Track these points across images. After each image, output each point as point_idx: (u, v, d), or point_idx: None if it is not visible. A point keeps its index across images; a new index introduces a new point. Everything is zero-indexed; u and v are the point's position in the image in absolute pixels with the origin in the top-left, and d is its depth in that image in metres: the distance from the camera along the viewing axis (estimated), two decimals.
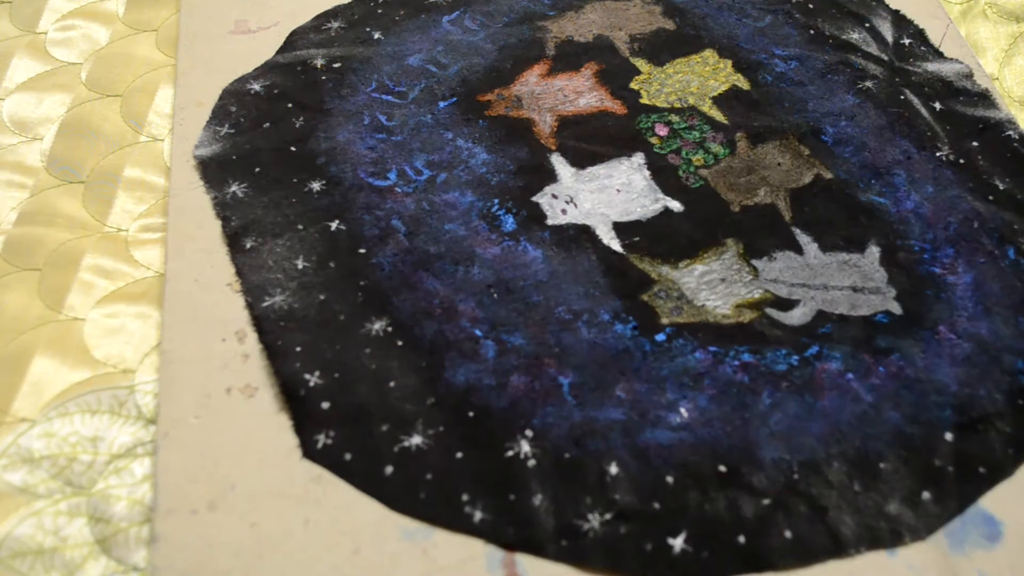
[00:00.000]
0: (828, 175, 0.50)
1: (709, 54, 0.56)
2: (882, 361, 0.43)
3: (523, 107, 0.53)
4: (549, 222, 0.48)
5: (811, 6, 0.59)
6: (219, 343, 0.43)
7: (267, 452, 0.40)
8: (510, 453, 0.40)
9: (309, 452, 0.40)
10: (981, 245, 0.47)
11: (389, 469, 0.39)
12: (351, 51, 0.56)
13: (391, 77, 0.55)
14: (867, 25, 0.58)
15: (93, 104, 0.55)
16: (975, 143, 0.52)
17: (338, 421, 0.40)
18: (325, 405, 0.41)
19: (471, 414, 0.41)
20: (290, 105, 0.53)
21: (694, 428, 0.40)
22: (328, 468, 0.39)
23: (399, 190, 0.49)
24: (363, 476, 0.39)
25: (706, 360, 0.43)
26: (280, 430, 0.41)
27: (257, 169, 0.50)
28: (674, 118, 0.53)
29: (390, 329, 0.43)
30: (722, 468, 0.39)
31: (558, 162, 0.50)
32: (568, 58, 0.56)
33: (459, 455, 0.40)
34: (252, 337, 0.43)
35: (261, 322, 0.43)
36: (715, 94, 0.54)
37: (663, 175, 0.50)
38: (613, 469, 0.39)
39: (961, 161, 0.51)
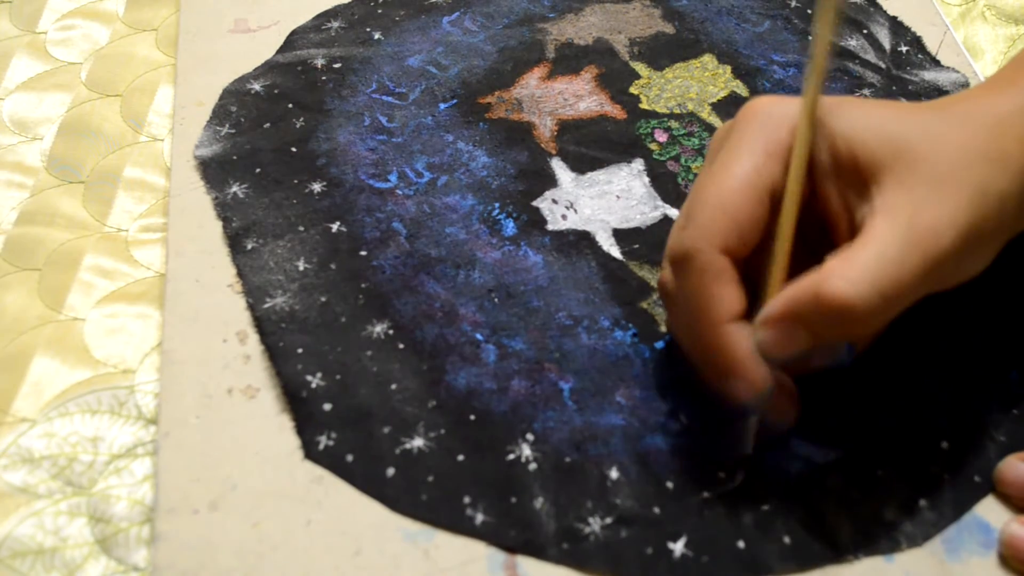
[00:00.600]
0: None
1: (708, 59, 0.57)
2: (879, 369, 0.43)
3: (523, 110, 0.53)
4: (549, 227, 0.48)
5: (810, 12, 0.60)
6: (220, 344, 0.43)
7: (268, 453, 0.40)
8: (511, 456, 0.40)
9: (311, 453, 0.40)
10: None
11: (391, 471, 0.39)
12: (351, 51, 0.56)
13: (391, 78, 0.55)
14: (865, 32, 0.59)
15: (93, 104, 0.55)
16: None
17: (340, 423, 0.41)
18: (327, 407, 0.41)
19: (472, 417, 0.41)
20: (290, 105, 0.53)
21: (694, 434, 0.41)
22: (330, 469, 0.39)
23: (400, 192, 0.49)
24: (365, 477, 0.39)
25: None
26: (281, 431, 0.41)
27: (258, 170, 0.50)
28: (673, 124, 0.53)
29: (391, 332, 0.44)
30: (721, 474, 0.40)
31: (558, 167, 0.51)
32: (568, 61, 0.56)
33: (460, 458, 0.40)
34: (253, 338, 0.44)
35: (262, 323, 0.44)
36: (714, 100, 0.54)
37: (662, 182, 0.50)
38: (614, 473, 0.39)
39: None
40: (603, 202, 0.49)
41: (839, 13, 0.39)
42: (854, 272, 0.33)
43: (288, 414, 0.41)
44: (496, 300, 0.45)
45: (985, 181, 0.35)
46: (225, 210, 0.48)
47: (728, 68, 0.56)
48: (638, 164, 0.51)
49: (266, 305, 0.44)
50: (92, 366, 0.44)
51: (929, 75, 0.56)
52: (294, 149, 0.51)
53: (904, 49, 0.58)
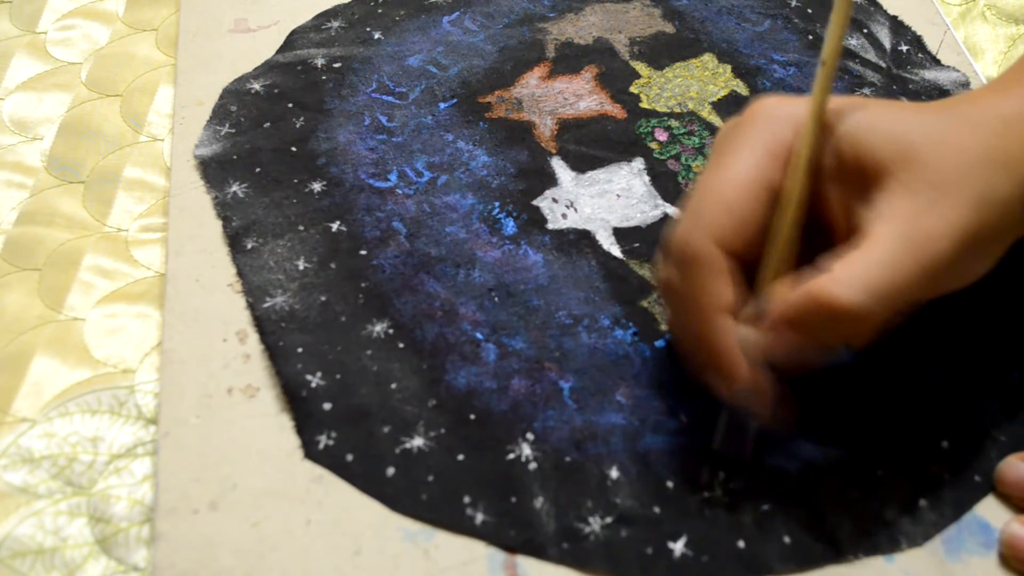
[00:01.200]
0: None
1: (708, 58, 0.57)
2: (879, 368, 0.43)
3: (523, 109, 0.53)
4: (550, 226, 0.48)
5: (810, 11, 0.60)
6: (220, 343, 0.43)
7: (268, 452, 0.40)
8: (511, 456, 0.40)
9: (311, 453, 0.40)
10: None
11: (391, 470, 0.39)
12: (351, 51, 0.56)
13: (391, 77, 0.55)
14: (865, 31, 0.58)
15: (93, 104, 0.55)
16: None
17: (340, 422, 0.40)
18: (327, 406, 0.41)
19: (472, 416, 0.41)
20: (290, 105, 0.53)
21: (694, 433, 0.41)
22: (330, 469, 0.39)
23: (400, 192, 0.49)
24: (365, 477, 0.39)
25: None
26: (282, 430, 0.41)
27: (258, 169, 0.50)
28: (674, 123, 0.53)
29: (391, 331, 0.44)
30: (722, 474, 0.39)
31: (558, 166, 0.51)
32: (568, 60, 0.56)
33: (460, 457, 0.40)
34: (253, 337, 0.44)
35: (262, 323, 0.44)
36: (714, 99, 0.54)
37: (663, 180, 0.50)
38: (614, 473, 0.39)
39: None
40: (603, 201, 0.49)
41: (849, 15, 0.39)
42: (851, 276, 0.33)
43: (288, 413, 0.41)
44: (496, 299, 0.45)
45: (988, 186, 0.35)
46: (225, 209, 0.48)
47: (728, 67, 0.56)
48: (638, 163, 0.51)
49: (266, 304, 0.44)
50: (92, 366, 0.44)
51: (929, 74, 0.56)
52: (294, 149, 0.51)
53: (904, 48, 0.58)
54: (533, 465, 0.40)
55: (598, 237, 0.48)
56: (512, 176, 0.50)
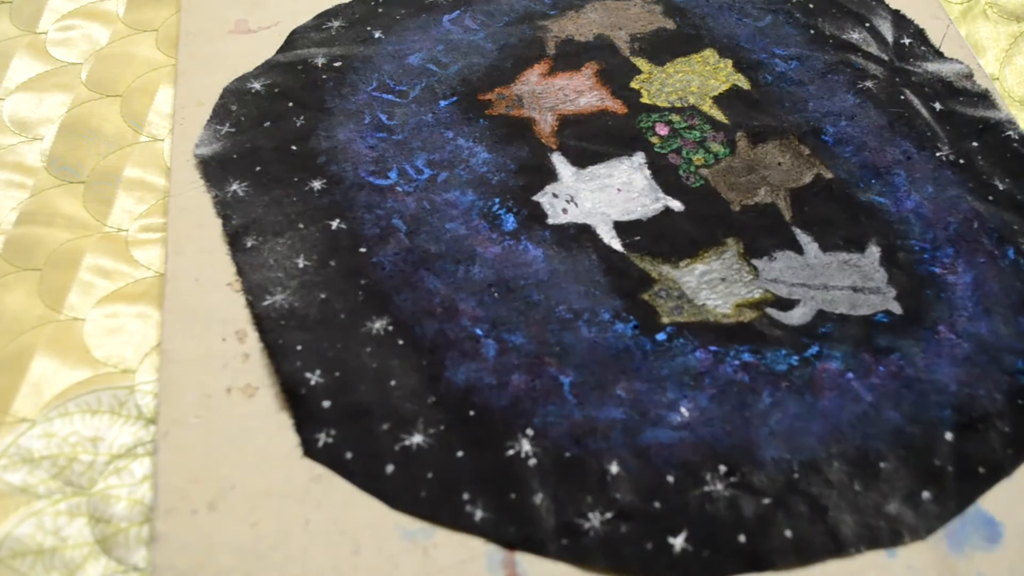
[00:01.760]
0: (828, 175, 0.50)
1: (709, 54, 0.56)
2: (882, 361, 0.43)
3: (524, 106, 0.53)
4: (550, 221, 0.48)
5: (811, 6, 0.59)
6: (219, 343, 0.43)
7: (267, 451, 0.40)
8: (511, 452, 0.40)
9: (310, 451, 0.40)
10: (981, 245, 0.47)
11: (390, 468, 0.39)
12: (352, 50, 0.56)
13: (392, 76, 0.55)
14: (867, 25, 0.58)
15: (93, 104, 0.55)
16: (975, 143, 0.52)
17: (339, 420, 0.40)
18: (326, 404, 0.41)
19: (472, 413, 0.41)
20: (291, 104, 0.53)
21: (695, 427, 0.40)
22: (329, 467, 0.39)
23: (400, 189, 0.49)
24: (364, 475, 0.39)
25: (706, 359, 0.43)
26: (281, 429, 0.41)
27: (258, 168, 0.50)
28: (675, 117, 0.53)
29: (391, 328, 0.43)
30: (722, 467, 0.39)
31: (559, 161, 0.50)
32: (568, 57, 0.56)
33: (460, 454, 0.40)
34: (253, 336, 0.43)
35: (262, 321, 0.43)
36: (715, 94, 0.54)
37: (663, 174, 0.50)
38: (614, 468, 0.39)
39: (961, 161, 0.51)
40: (604, 195, 0.49)
41: None
42: None
43: (287, 412, 0.41)
44: (496, 295, 0.45)
45: None
46: (225, 208, 0.48)
47: (729, 62, 0.56)
48: (639, 157, 0.51)
49: (265, 302, 0.44)
50: (92, 366, 0.44)
51: (932, 66, 0.56)
52: (294, 147, 0.51)
53: (907, 41, 0.57)
54: (533, 461, 0.39)
55: (599, 231, 0.47)
56: (512, 172, 0.50)
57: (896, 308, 0.45)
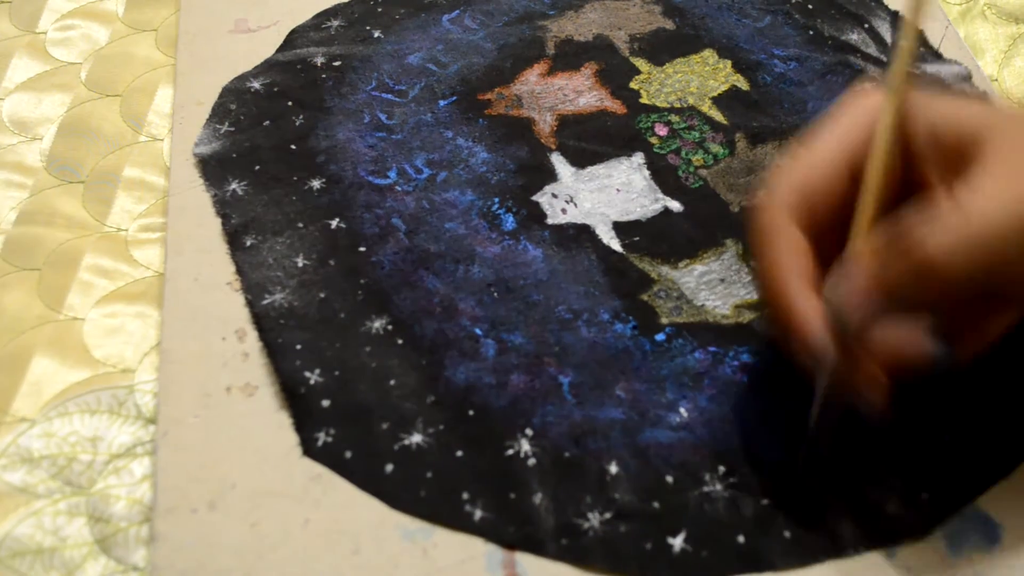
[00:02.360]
0: None
1: (709, 54, 0.56)
2: None
3: (523, 106, 0.53)
4: (549, 221, 0.48)
5: (810, 6, 0.59)
6: (219, 342, 0.43)
7: (267, 451, 0.40)
8: (510, 452, 0.40)
9: (309, 450, 0.40)
10: None
11: (389, 467, 0.39)
12: (351, 49, 0.56)
13: (391, 75, 0.55)
14: (866, 26, 0.58)
15: (93, 104, 0.55)
16: None
17: (338, 419, 0.40)
18: (325, 403, 0.41)
19: (471, 412, 0.41)
20: (290, 103, 0.53)
21: (694, 428, 0.41)
22: (328, 466, 0.39)
23: (399, 188, 0.49)
24: (363, 474, 0.39)
25: (706, 360, 0.43)
26: (280, 429, 0.41)
27: (257, 167, 0.50)
28: (674, 118, 0.53)
29: (390, 327, 0.43)
30: (721, 468, 0.39)
31: (558, 161, 0.50)
32: (568, 57, 0.56)
33: (459, 453, 0.40)
34: (252, 335, 0.43)
35: (261, 320, 0.43)
36: (715, 94, 0.54)
37: (663, 175, 0.50)
38: (613, 468, 0.39)
39: None
40: (603, 195, 0.49)
41: None
42: (941, 225, 0.33)
43: (286, 411, 0.41)
44: (495, 294, 0.45)
45: None
46: (224, 207, 0.48)
47: (729, 63, 0.56)
48: (638, 158, 0.51)
49: (265, 302, 0.44)
50: (91, 366, 0.44)
51: (931, 68, 0.56)
52: (293, 146, 0.51)
53: None
54: (532, 461, 0.39)
55: (598, 231, 0.47)
56: (511, 172, 0.50)
57: None
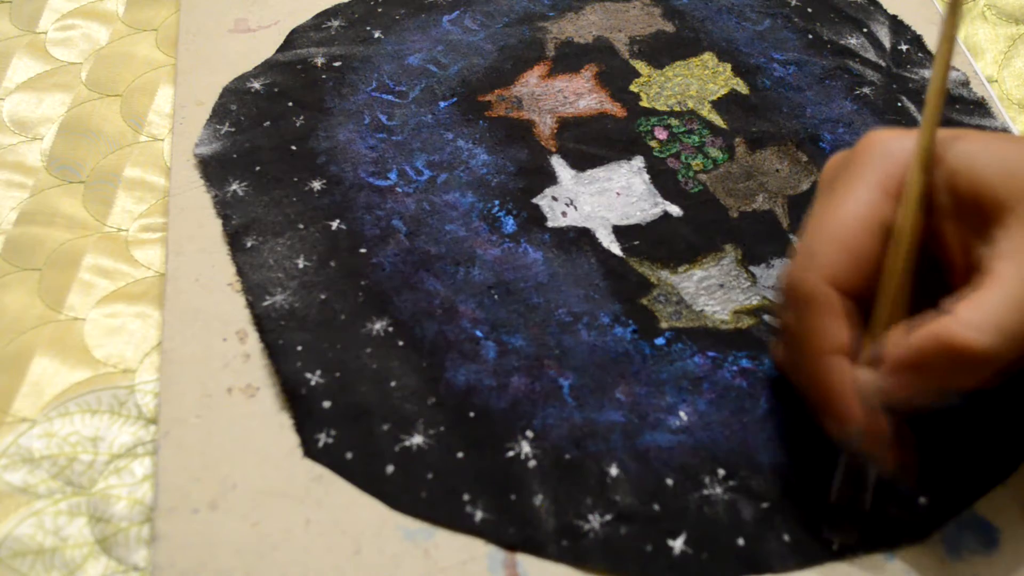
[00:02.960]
0: None
1: (708, 57, 0.57)
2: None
3: (523, 108, 0.53)
4: (549, 224, 0.48)
5: (810, 10, 0.60)
6: (220, 343, 0.43)
7: (268, 451, 0.40)
8: (511, 453, 0.40)
9: (310, 451, 0.40)
10: None
11: (390, 468, 0.39)
12: (351, 50, 0.56)
13: (391, 76, 0.55)
14: (865, 30, 0.58)
15: (93, 104, 0.55)
16: None
17: (339, 420, 0.40)
18: (326, 404, 0.41)
19: (472, 414, 0.41)
20: (290, 104, 0.53)
21: (693, 431, 0.41)
22: (329, 467, 0.39)
23: (400, 190, 0.49)
24: (364, 475, 0.39)
25: (705, 365, 0.43)
26: (281, 429, 0.41)
27: (257, 168, 0.50)
28: (673, 122, 0.53)
29: (391, 329, 0.44)
30: (721, 471, 0.39)
31: (558, 164, 0.51)
32: (568, 59, 0.56)
33: (460, 455, 0.40)
34: (253, 336, 0.43)
35: (262, 321, 0.44)
36: (714, 98, 0.54)
37: (662, 179, 0.50)
38: (613, 470, 0.39)
39: None
40: (603, 199, 0.49)
41: (952, 50, 0.39)
42: (977, 317, 0.33)
43: (287, 412, 0.41)
44: (496, 297, 0.45)
45: None
46: (225, 208, 0.48)
47: (728, 66, 0.56)
48: (638, 161, 0.51)
49: (265, 303, 0.44)
50: (92, 366, 0.44)
51: (929, 73, 0.56)
52: (294, 147, 0.51)
53: (904, 48, 0.58)
54: (532, 463, 0.40)
55: (598, 235, 0.48)
56: (512, 174, 0.50)
57: None
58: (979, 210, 0.36)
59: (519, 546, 0.38)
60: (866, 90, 0.55)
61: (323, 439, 0.40)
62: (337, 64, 0.55)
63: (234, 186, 0.49)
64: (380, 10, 0.59)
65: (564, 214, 0.48)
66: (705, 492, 0.39)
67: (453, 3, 0.60)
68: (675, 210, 0.49)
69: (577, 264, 0.46)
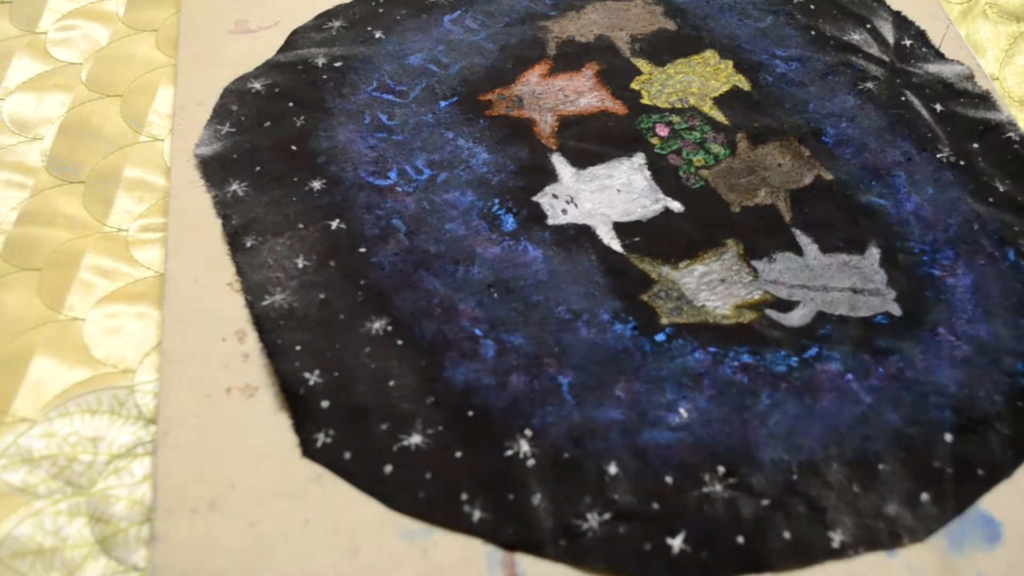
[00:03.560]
0: (828, 176, 0.50)
1: (710, 55, 0.56)
2: (881, 362, 0.43)
3: (524, 107, 0.53)
4: (549, 222, 0.48)
5: (812, 7, 0.59)
6: (219, 342, 0.43)
7: (267, 451, 0.40)
8: (509, 453, 0.40)
9: (309, 451, 0.40)
10: (981, 247, 0.47)
11: (388, 468, 0.39)
12: (352, 50, 0.56)
13: (392, 76, 0.55)
14: (868, 26, 0.58)
15: (93, 104, 0.55)
16: (975, 145, 0.52)
17: (338, 420, 0.40)
18: (325, 404, 0.41)
19: (470, 413, 0.41)
20: (291, 104, 0.53)
21: (693, 428, 0.40)
22: (328, 467, 0.39)
23: (400, 189, 0.49)
24: (362, 475, 0.39)
25: (705, 361, 0.43)
26: (280, 429, 0.41)
27: (258, 168, 0.50)
28: (675, 118, 0.53)
29: (390, 328, 0.43)
30: (721, 469, 0.39)
31: (559, 162, 0.50)
32: (569, 58, 0.56)
33: (458, 454, 0.40)
34: (252, 336, 0.43)
35: (261, 321, 0.43)
36: (716, 95, 0.54)
37: (663, 175, 0.50)
38: (612, 469, 0.39)
39: (961, 163, 0.51)
40: (604, 196, 0.49)
41: None
42: None
43: (286, 412, 0.41)
44: (495, 295, 0.45)
45: None
46: (225, 208, 0.48)
47: (730, 63, 0.56)
48: (639, 158, 0.51)
49: (265, 302, 0.44)
50: (92, 366, 0.44)
51: (933, 68, 0.56)
52: (294, 147, 0.51)
53: (908, 43, 0.57)
54: (531, 462, 0.39)
55: (598, 232, 0.47)
56: (512, 173, 0.50)
57: (896, 310, 0.45)
58: None
59: (517, 545, 0.37)
60: (869, 85, 0.55)
61: (321, 439, 0.40)
62: (338, 64, 0.55)
63: (234, 186, 0.49)
64: (381, 10, 0.59)
65: (564, 212, 0.48)
66: (705, 490, 0.39)
67: (455, 3, 0.59)
68: (676, 206, 0.49)
69: (577, 261, 0.46)
